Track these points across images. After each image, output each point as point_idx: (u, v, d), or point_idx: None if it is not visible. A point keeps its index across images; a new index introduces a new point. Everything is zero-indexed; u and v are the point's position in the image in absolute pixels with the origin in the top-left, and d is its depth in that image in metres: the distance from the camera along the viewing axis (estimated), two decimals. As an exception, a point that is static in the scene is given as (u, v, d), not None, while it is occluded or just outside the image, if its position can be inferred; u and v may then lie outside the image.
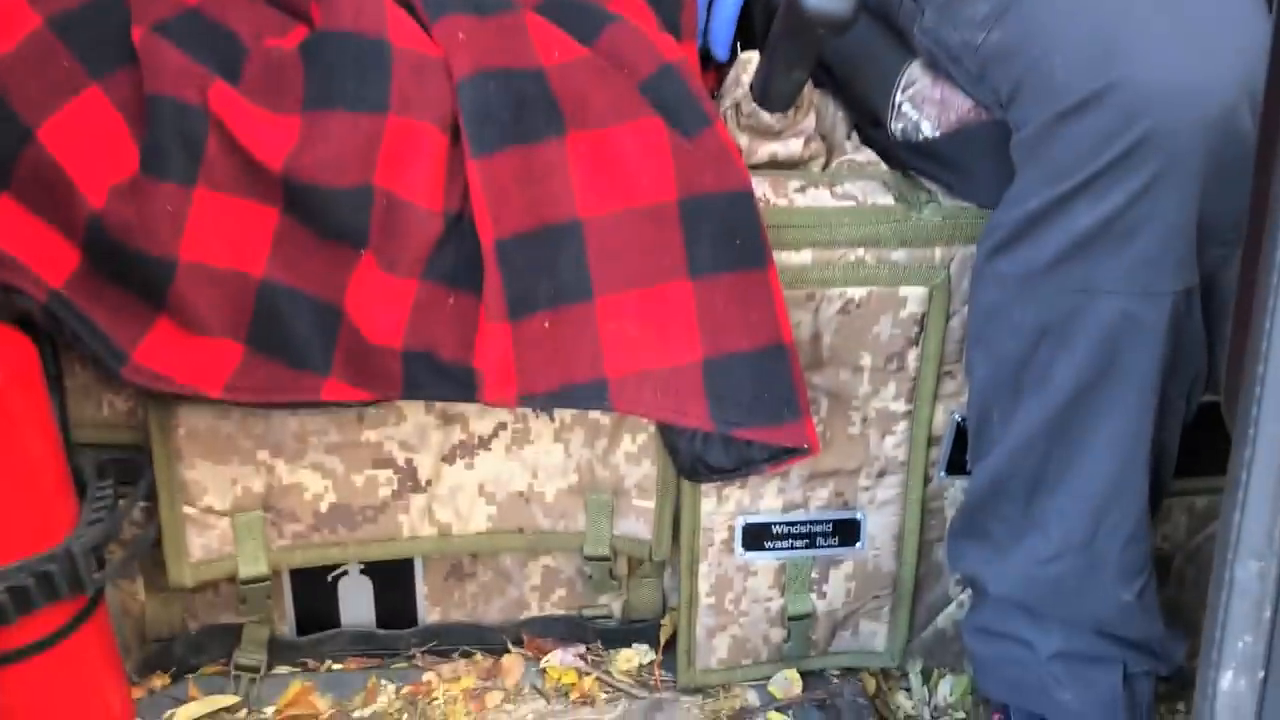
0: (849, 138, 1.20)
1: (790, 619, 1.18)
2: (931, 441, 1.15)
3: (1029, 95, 0.89)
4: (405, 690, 1.17)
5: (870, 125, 1.18)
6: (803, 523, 1.16)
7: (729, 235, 0.98)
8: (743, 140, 1.12)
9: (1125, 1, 0.86)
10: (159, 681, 1.16)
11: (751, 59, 1.12)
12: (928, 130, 1.09)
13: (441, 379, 0.98)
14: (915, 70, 1.11)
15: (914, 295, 1.09)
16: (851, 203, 1.10)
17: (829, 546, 1.17)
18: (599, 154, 0.97)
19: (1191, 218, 0.85)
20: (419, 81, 0.96)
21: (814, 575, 1.18)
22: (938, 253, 1.09)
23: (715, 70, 1.23)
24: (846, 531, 1.17)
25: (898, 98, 1.12)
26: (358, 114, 0.95)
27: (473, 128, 0.95)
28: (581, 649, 1.22)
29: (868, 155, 1.17)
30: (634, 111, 0.97)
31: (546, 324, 0.96)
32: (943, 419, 1.14)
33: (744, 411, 0.98)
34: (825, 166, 1.17)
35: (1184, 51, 0.82)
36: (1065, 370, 0.91)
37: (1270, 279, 0.54)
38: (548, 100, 0.97)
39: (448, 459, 1.10)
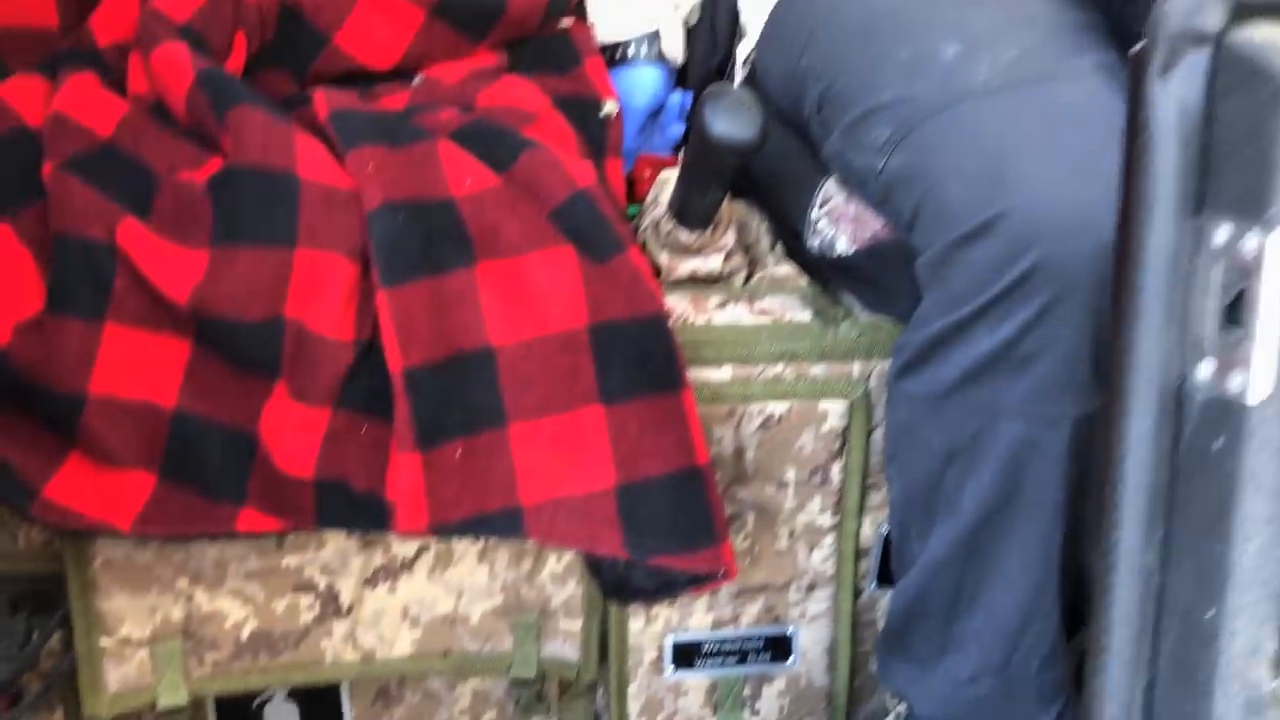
0: (772, 250, 1.21)
1: (724, 737, 1.17)
2: (860, 554, 1.14)
3: (927, 221, 0.90)
4: (332, 819, 1.14)
5: (792, 238, 1.20)
6: (733, 639, 1.15)
7: (641, 360, 0.98)
8: (663, 258, 1.13)
9: (1014, 131, 0.87)
10: (80, 815, 1.13)
11: (670, 178, 1.14)
12: (843, 247, 1.10)
13: (354, 509, 0.98)
14: (831, 186, 1.13)
15: (834, 409, 1.09)
16: (770, 319, 1.10)
17: (761, 663, 1.16)
18: (510, 282, 0.97)
19: (1089, 344, 0.85)
20: (328, 214, 0.96)
21: (746, 692, 1.17)
22: (856, 367, 1.09)
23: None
24: (778, 647, 1.16)
25: (814, 214, 1.13)
26: (266, 247, 0.95)
27: (382, 258, 0.96)
28: (513, 771, 1.19)
29: (788, 269, 1.18)
30: (544, 240, 0.98)
31: (459, 453, 0.96)
32: (870, 531, 1.14)
33: (660, 538, 0.97)
34: (748, 280, 1.17)
35: (1071, 181, 0.83)
36: (973, 493, 0.91)
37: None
38: (458, 230, 0.98)
39: (370, 583, 1.09)
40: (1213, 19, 0.50)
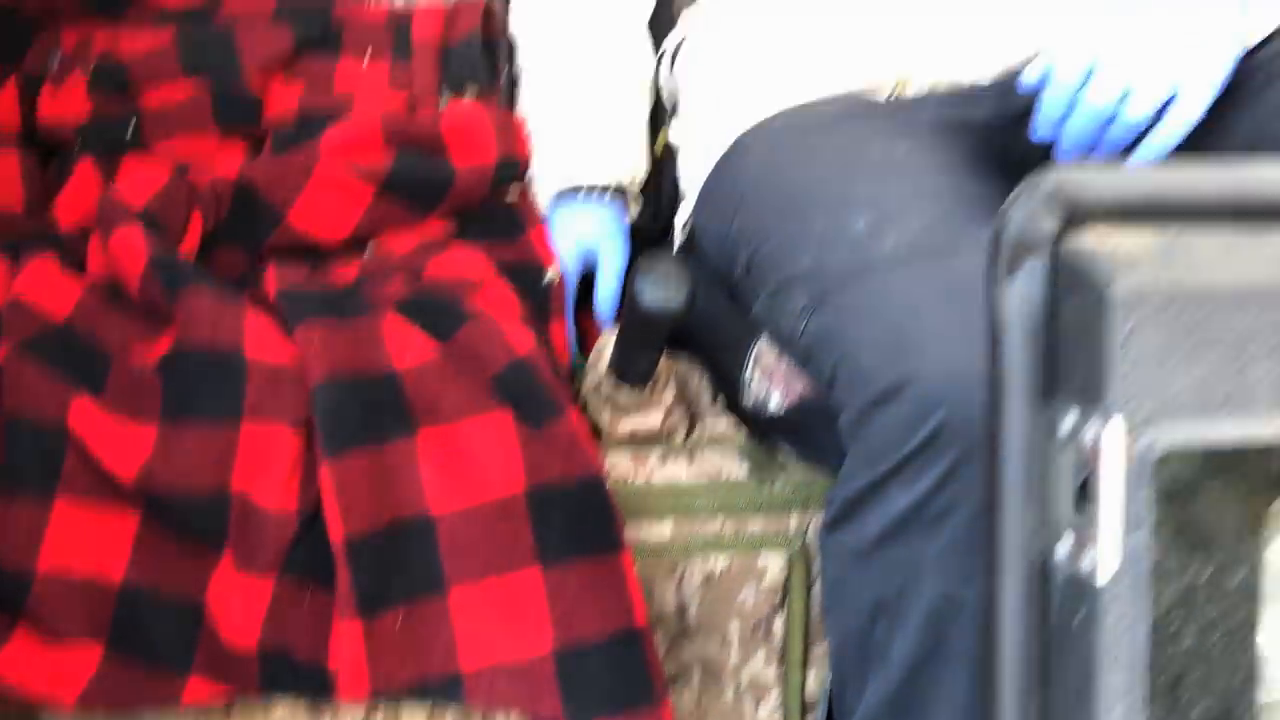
0: (712, 404, 1.25)
1: None
2: (806, 708, 1.15)
3: (843, 384, 0.95)
4: None
5: (730, 392, 1.24)
6: (684, 796, 1.15)
7: (579, 523, 1.01)
8: (604, 417, 1.17)
9: (918, 300, 0.92)
10: None
11: (610, 339, 1.18)
12: (776, 403, 1.14)
13: (297, 677, 0.99)
14: (764, 345, 1.17)
15: (774, 562, 1.12)
16: (708, 476, 1.13)
17: (712, 818, 1.16)
18: (449, 451, 1.01)
19: None
20: (274, 389, 1.00)
21: None
22: (794, 520, 1.12)
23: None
24: (729, 802, 1.16)
25: (749, 371, 1.17)
26: (212, 423, 0.99)
27: (324, 431, 0.99)
28: None
29: (727, 424, 1.21)
30: (483, 406, 1.02)
31: (400, 620, 0.98)
32: (815, 685, 1.15)
33: (599, 701, 0.99)
34: (689, 435, 1.21)
35: (970, 347, 0.87)
36: (900, 648, 0.93)
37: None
38: (399, 401, 1.02)
39: (319, 748, 1.09)
40: (1047, 226, 0.55)
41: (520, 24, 1.39)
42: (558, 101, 1.32)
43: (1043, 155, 1.18)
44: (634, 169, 1.36)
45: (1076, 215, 0.55)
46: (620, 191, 1.32)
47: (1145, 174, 0.56)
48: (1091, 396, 0.53)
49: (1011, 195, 0.56)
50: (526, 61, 1.37)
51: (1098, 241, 0.55)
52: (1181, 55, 0.99)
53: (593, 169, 1.31)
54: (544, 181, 1.30)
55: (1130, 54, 0.98)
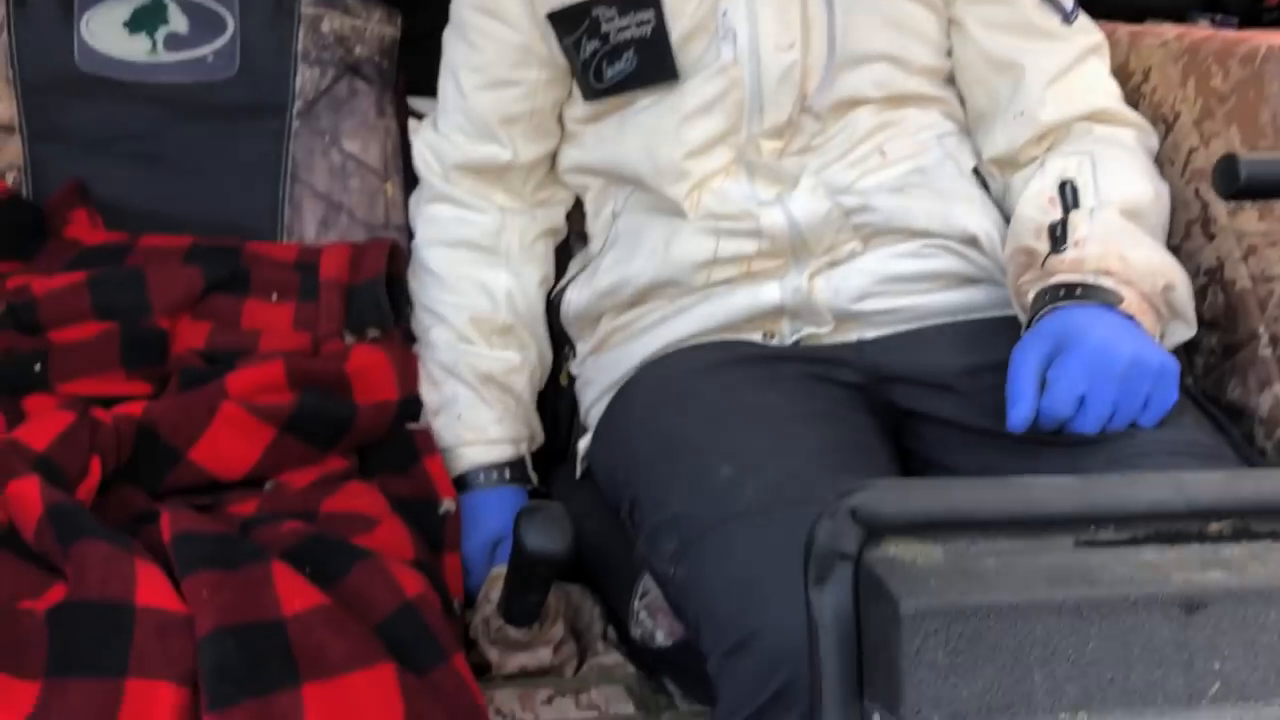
0: (604, 636, 1.28)
1: None
2: None
3: (705, 632, 0.99)
4: None
5: (620, 625, 1.27)
6: None
7: (463, 771, 1.02)
8: (493, 654, 1.19)
9: (768, 552, 0.97)
10: None
11: (499, 576, 1.22)
12: (660, 639, 1.18)
13: None
14: (649, 580, 1.22)
15: (660, 800, 1.14)
16: (594, 712, 1.16)
17: None
18: (333, 703, 1.02)
19: None
20: (161, 642, 1.02)
21: None
22: (678, 757, 1.15)
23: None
24: None
25: (635, 604, 1.22)
26: (97, 679, 1.00)
27: (210, 683, 1.01)
28: None
29: (617, 657, 1.25)
30: (368, 657, 1.04)
31: None
32: None
33: None
34: (579, 668, 1.24)
35: None
36: None
37: None
38: (285, 651, 1.04)
39: None
40: (849, 542, 0.61)
41: (414, 289, 1.47)
42: (447, 383, 1.40)
43: (904, 413, 1.28)
44: (530, 438, 1.44)
45: (875, 531, 0.61)
46: (519, 464, 1.39)
47: (935, 492, 0.63)
48: (891, 701, 0.59)
49: (820, 512, 0.63)
50: (419, 331, 1.46)
51: (898, 553, 0.61)
52: (1154, 381, 1.11)
53: (487, 449, 1.38)
54: (445, 456, 1.37)
55: (1114, 385, 1.09)
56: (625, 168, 1.39)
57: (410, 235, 1.53)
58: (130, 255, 1.47)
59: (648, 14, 1.31)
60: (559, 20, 1.37)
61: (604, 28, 1.33)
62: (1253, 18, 1.72)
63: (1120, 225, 1.22)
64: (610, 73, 1.35)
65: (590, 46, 1.35)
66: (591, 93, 1.38)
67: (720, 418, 1.14)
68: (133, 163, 1.59)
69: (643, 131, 1.35)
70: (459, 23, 1.46)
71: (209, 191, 1.59)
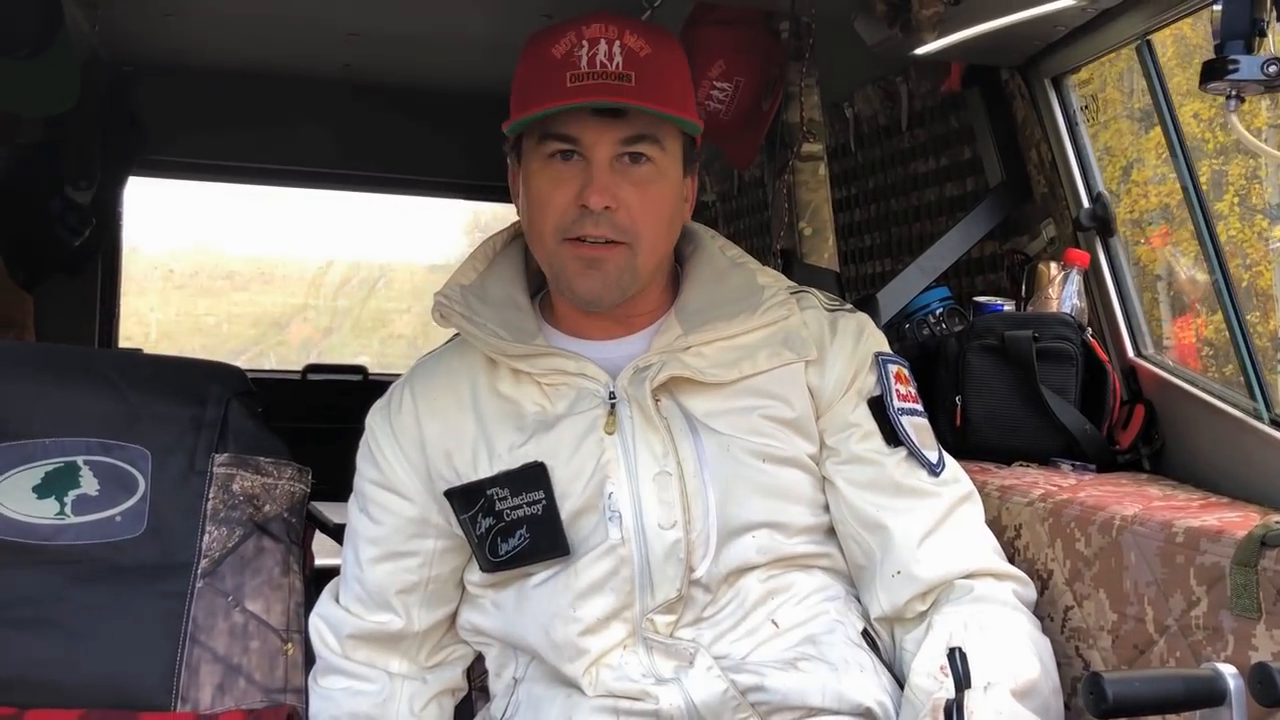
0: None
1: None
2: None
3: None
4: None
5: None
6: None
7: None
8: None
9: None
10: None
11: None
12: None
13: None
14: None
15: None
16: None
17: None
18: None
19: None
20: None
21: None
22: None
23: None
24: None
25: None
26: None
27: None
28: None
29: None
30: None
31: None
32: None
33: None
34: None
35: None
36: None
37: None
38: None
39: None
40: None
41: None
42: None
43: None
44: None
45: None
46: None
47: None
48: None
49: None
50: None
51: None
52: None
53: None
54: None
55: None
56: (523, 642, 1.41)
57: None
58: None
59: (538, 494, 1.39)
60: (455, 497, 1.44)
61: (498, 505, 1.40)
62: (1108, 461, 1.86)
63: (1012, 710, 1.26)
64: (505, 548, 1.40)
65: (485, 523, 1.41)
66: (489, 565, 1.43)
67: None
68: (26, 629, 1.56)
69: (539, 608, 1.39)
70: (360, 494, 1.52)
71: (104, 657, 1.56)
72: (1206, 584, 1.34)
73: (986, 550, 1.50)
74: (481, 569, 1.45)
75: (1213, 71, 1.37)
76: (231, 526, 1.64)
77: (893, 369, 1.52)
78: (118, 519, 1.63)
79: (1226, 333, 1.76)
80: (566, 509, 1.39)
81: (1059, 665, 1.47)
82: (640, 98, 1.37)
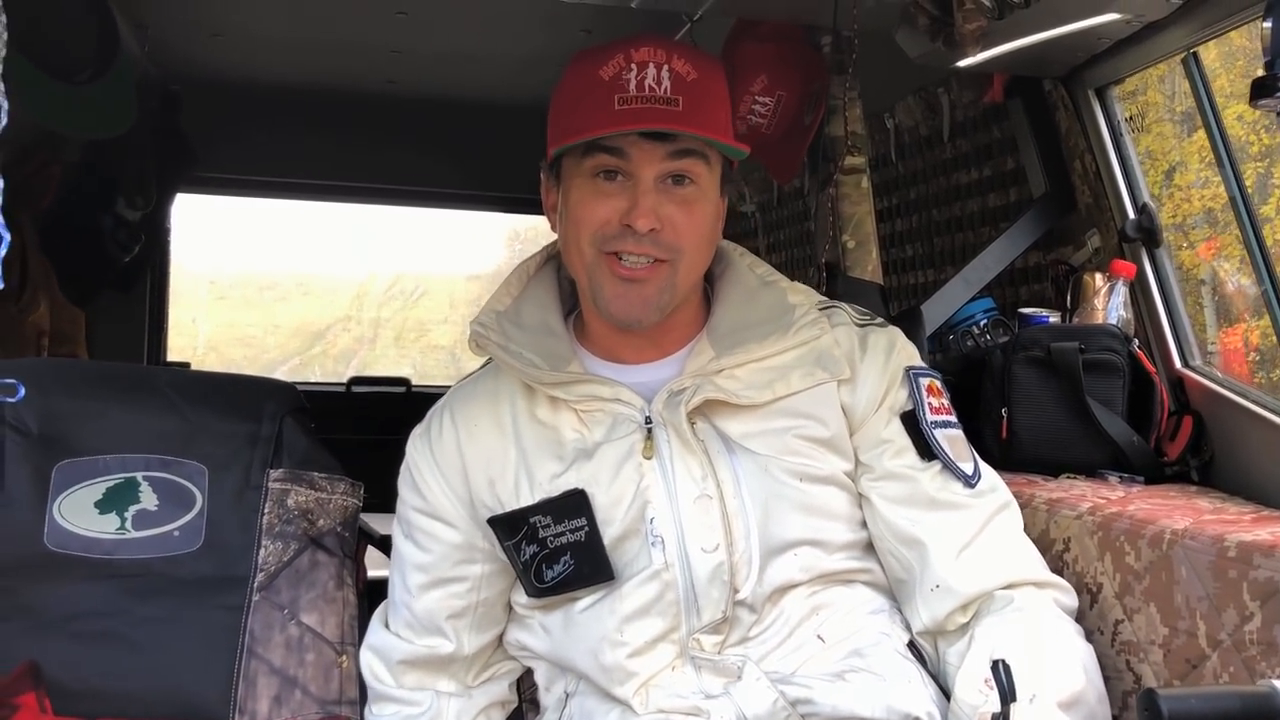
0: None
1: None
2: None
3: None
4: None
5: None
6: None
7: None
8: None
9: None
10: None
11: None
12: None
13: None
14: None
15: None
16: None
17: None
18: None
19: None
20: None
21: None
22: None
23: None
24: None
25: None
26: None
27: None
28: None
29: None
30: None
31: None
32: None
33: None
34: None
35: None
36: None
37: None
38: None
39: None
40: None
41: None
42: None
43: None
44: None
45: None
46: None
47: None
48: None
49: None
50: None
51: None
52: None
53: None
54: None
55: None
56: (572, 665, 1.43)
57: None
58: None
59: (581, 520, 1.40)
60: (498, 525, 1.45)
61: (541, 533, 1.42)
62: (1155, 473, 1.85)
63: None
64: (550, 574, 1.42)
65: (529, 550, 1.43)
66: (535, 591, 1.45)
67: None
68: (89, 641, 1.60)
69: (586, 633, 1.41)
70: (404, 520, 1.54)
71: (165, 669, 1.59)
72: (1260, 599, 1.33)
73: (1026, 559, 1.49)
74: (528, 594, 1.46)
75: (1263, 89, 1.37)
76: (286, 541, 1.67)
77: (924, 382, 1.51)
78: (176, 534, 1.66)
79: (1274, 338, 1.74)
80: (609, 535, 1.41)
81: (1108, 679, 1.46)
82: (688, 123, 1.38)
